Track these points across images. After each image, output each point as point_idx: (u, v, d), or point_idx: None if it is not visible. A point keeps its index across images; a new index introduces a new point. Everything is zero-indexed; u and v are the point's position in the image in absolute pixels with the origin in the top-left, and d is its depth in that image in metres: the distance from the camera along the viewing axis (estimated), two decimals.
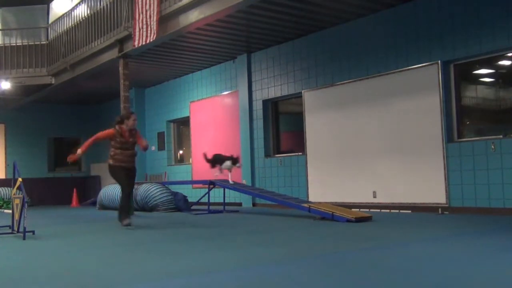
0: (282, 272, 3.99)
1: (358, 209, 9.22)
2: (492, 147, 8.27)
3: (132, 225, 7.70)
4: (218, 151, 13.34)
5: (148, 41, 10.22)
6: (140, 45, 10.43)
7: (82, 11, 13.35)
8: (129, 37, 11.06)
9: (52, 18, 15.17)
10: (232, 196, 12.47)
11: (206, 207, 11.04)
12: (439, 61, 8.96)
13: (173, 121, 15.95)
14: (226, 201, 11.33)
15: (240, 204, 12.71)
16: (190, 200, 12.18)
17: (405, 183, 9.47)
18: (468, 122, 9.20)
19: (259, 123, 12.64)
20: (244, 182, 12.49)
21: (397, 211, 9.45)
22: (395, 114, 9.68)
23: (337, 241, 5.80)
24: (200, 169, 14.36)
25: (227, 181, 10.70)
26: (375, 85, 10.03)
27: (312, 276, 3.80)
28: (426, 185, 9.11)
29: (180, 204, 11.67)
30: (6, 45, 14.96)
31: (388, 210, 9.59)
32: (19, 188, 7.01)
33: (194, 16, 9.51)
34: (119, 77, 11.71)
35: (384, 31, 9.86)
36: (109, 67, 12.75)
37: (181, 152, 16.14)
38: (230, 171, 10.59)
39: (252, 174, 12.65)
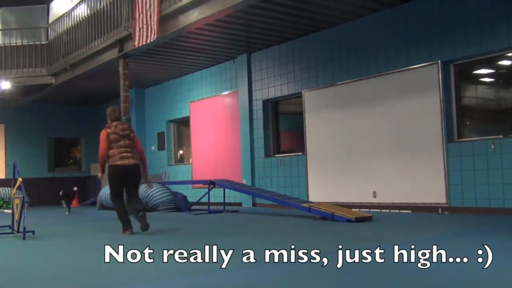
0: (282, 272, 3.99)
1: (358, 209, 9.22)
2: (492, 147, 8.27)
3: None
4: (218, 150, 13.42)
5: (148, 41, 10.22)
6: (140, 45, 10.43)
7: (82, 11, 13.34)
8: (129, 37, 11.06)
9: (52, 18, 15.16)
10: (232, 196, 12.47)
11: (206, 207, 11.04)
12: (439, 61, 8.96)
13: (173, 121, 15.94)
14: (226, 201, 11.32)
15: (240, 204, 12.70)
16: (190, 200, 12.18)
17: (405, 183, 9.46)
18: (468, 122, 9.20)
19: (259, 123, 12.64)
20: (244, 182, 12.49)
21: (397, 211, 9.45)
22: (395, 114, 9.68)
23: (337, 241, 5.79)
24: (200, 169, 14.36)
25: (226, 180, 10.77)
26: (375, 85, 10.02)
27: (312, 276, 3.80)
28: (426, 185, 9.11)
29: (180, 204, 11.67)
30: (6, 45, 14.96)
31: (388, 210, 9.59)
32: (19, 188, 7.00)
33: (194, 16, 9.51)
34: (119, 77, 11.71)
35: (384, 31, 9.86)
36: (109, 67, 12.74)
37: (181, 152, 16.13)
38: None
39: (252, 174, 12.64)
